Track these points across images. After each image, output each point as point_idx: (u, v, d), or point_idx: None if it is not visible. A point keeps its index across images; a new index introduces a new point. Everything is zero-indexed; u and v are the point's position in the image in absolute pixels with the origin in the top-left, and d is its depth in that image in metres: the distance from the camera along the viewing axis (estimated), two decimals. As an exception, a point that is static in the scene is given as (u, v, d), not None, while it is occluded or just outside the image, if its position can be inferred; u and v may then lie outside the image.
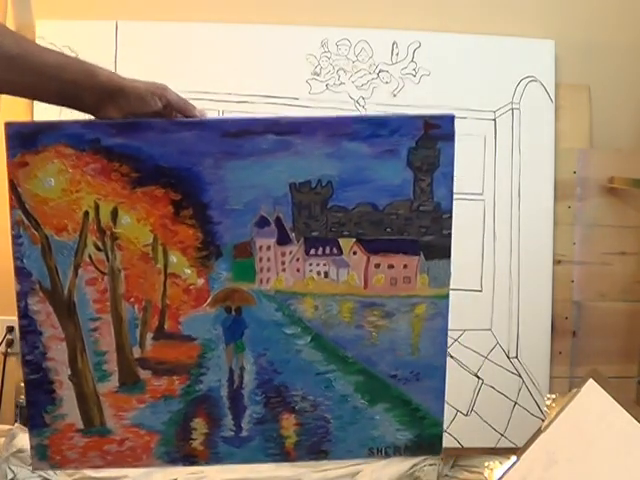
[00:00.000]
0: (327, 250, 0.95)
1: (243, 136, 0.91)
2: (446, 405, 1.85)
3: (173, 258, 0.95)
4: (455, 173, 1.85)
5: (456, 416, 1.88)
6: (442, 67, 1.88)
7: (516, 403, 1.88)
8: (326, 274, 0.96)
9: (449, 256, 0.97)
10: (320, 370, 0.98)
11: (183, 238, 0.94)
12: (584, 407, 1.39)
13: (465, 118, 1.88)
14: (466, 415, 1.88)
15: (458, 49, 1.88)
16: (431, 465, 1.86)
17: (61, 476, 1.65)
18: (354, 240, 0.95)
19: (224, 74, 1.84)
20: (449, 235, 0.96)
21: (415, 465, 1.86)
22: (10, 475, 1.65)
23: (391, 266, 0.96)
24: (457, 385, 1.88)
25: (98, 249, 0.95)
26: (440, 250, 0.96)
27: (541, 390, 1.86)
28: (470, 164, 1.88)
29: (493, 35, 1.89)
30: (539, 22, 1.92)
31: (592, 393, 1.40)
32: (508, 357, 1.89)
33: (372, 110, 1.87)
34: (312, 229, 0.94)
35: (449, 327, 1.83)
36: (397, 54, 1.87)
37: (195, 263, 0.95)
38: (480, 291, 1.89)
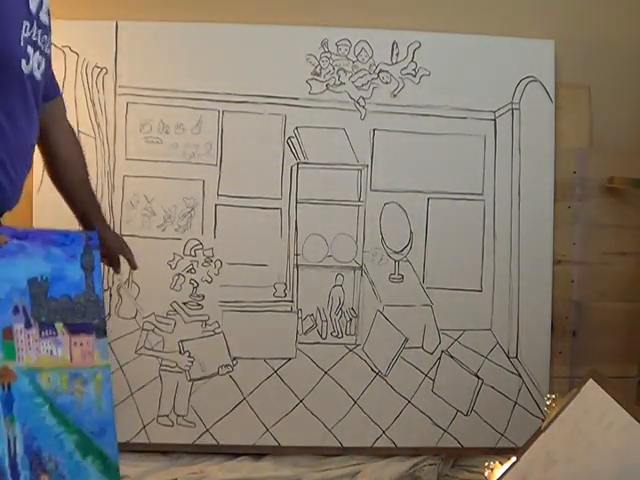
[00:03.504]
0: (50, 332, 1.21)
1: None
2: (446, 405, 1.89)
3: None
4: (455, 173, 1.89)
5: (456, 416, 1.88)
6: (442, 67, 1.88)
7: (516, 403, 1.88)
8: (52, 352, 1.21)
9: (106, 335, 1.28)
10: (56, 432, 1.19)
11: None
12: (584, 407, 1.39)
13: (465, 118, 1.88)
14: (466, 415, 1.88)
15: (458, 49, 1.88)
16: (431, 465, 1.86)
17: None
18: (62, 324, 1.22)
19: (224, 74, 1.84)
20: (105, 319, 1.28)
21: (415, 465, 1.86)
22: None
23: (81, 344, 1.24)
24: (457, 385, 1.89)
25: None
26: (102, 331, 1.26)
27: (541, 390, 1.86)
28: (470, 164, 1.89)
29: (493, 35, 1.89)
30: (539, 22, 1.92)
31: (592, 393, 1.40)
32: (508, 357, 1.89)
33: (372, 110, 1.87)
34: (41, 315, 1.20)
35: (449, 327, 1.88)
36: (397, 54, 1.87)
37: None
38: (480, 291, 1.89)
